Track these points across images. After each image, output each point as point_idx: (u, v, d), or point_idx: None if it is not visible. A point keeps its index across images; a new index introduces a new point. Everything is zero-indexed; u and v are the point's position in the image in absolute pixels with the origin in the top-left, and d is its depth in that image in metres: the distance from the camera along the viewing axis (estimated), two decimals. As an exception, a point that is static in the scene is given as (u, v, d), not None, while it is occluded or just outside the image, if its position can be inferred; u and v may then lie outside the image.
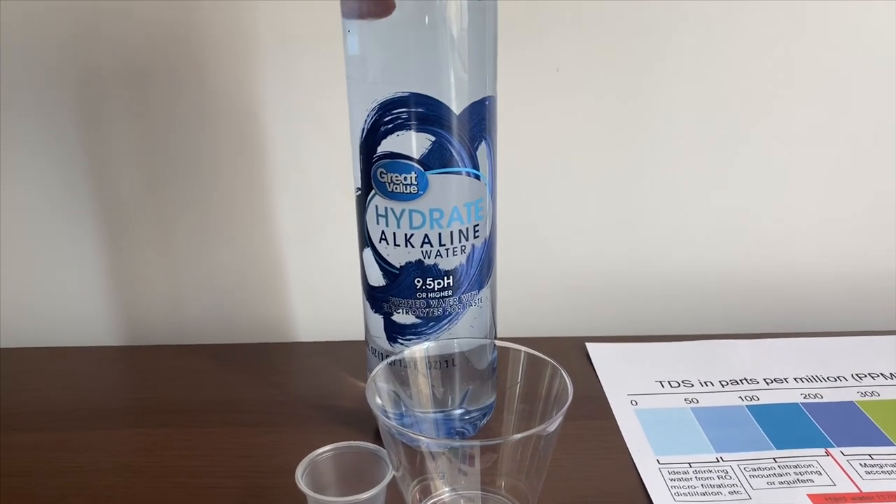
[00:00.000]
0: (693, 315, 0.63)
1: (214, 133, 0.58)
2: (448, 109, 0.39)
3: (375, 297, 0.44)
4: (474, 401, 0.45)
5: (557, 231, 0.62)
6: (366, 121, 0.40)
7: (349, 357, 0.55)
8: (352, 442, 0.41)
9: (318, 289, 0.63)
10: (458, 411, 0.44)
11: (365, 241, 0.43)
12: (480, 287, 0.44)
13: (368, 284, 0.44)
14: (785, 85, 0.57)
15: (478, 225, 0.42)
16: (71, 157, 0.59)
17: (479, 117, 0.41)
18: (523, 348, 0.40)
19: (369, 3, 0.38)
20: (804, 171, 0.60)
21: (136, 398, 0.53)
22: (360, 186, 0.43)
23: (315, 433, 0.47)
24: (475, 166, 0.41)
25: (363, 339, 0.47)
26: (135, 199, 0.60)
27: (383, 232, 0.42)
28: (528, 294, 0.62)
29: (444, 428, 0.44)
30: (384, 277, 0.43)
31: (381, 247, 0.42)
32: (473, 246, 0.43)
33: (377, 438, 0.41)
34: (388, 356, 0.42)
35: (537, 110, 0.58)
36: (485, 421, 0.45)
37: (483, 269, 0.44)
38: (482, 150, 0.41)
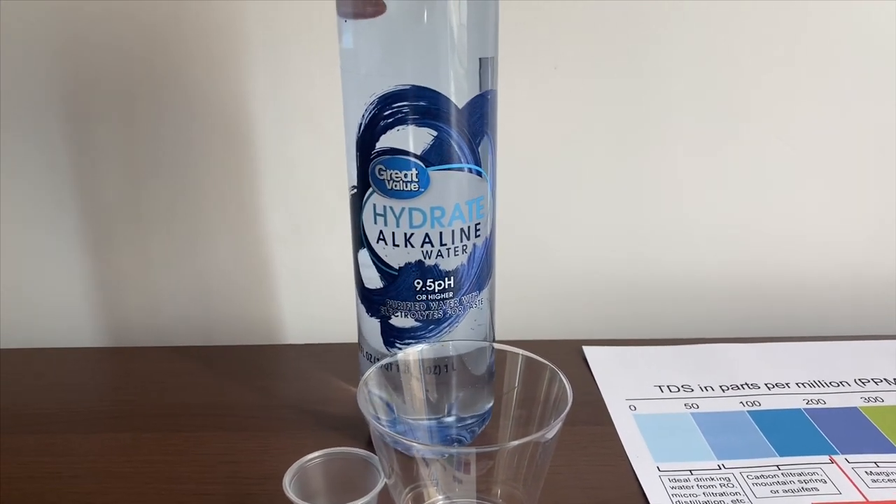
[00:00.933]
0: (693, 318, 0.62)
1: (203, 130, 0.57)
2: (450, 103, 0.38)
3: (372, 300, 0.43)
4: (471, 407, 0.43)
5: (554, 232, 0.61)
6: (363, 116, 0.39)
7: (340, 360, 0.54)
8: (342, 448, 0.39)
9: (309, 290, 0.62)
10: (454, 418, 0.43)
11: (361, 241, 0.42)
12: (481, 288, 0.43)
13: (364, 287, 0.43)
14: (786, 84, 0.57)
15: (479, 223, 0.41)
16: (55, 155, 0.57)
17: (482, 111, 0.39)
18: (521, 351, 0.39)
19: (359, 4, 0.37)
20: (806, 173, 0.59)
21: (119, 401, 0.51)
22: (355, 184, 0.41)
23: (304, 438, 0.46)
24: (477, 162, 0.40)
25: (355, 341, 0.46)
26: (121, 198, 0.59)
27: (381, 232, 0.41)
28: (524, 296, 0.61)
29: (438, 434, 0.43)
30: (382, 279, 0.42)
31: (378, 247, 0.41)
32: (475, 245, 0.41)
33: (368, 444, 0.40)
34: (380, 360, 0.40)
35: (534, 108, 0.57)
36: (482, 428, 0.44)
37: (483, 269, 0.42)
38: (484, 146, 0.40)
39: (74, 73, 0.55)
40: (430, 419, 0.42)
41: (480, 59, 0.38)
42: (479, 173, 0.40)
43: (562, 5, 0.54)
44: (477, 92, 0.39)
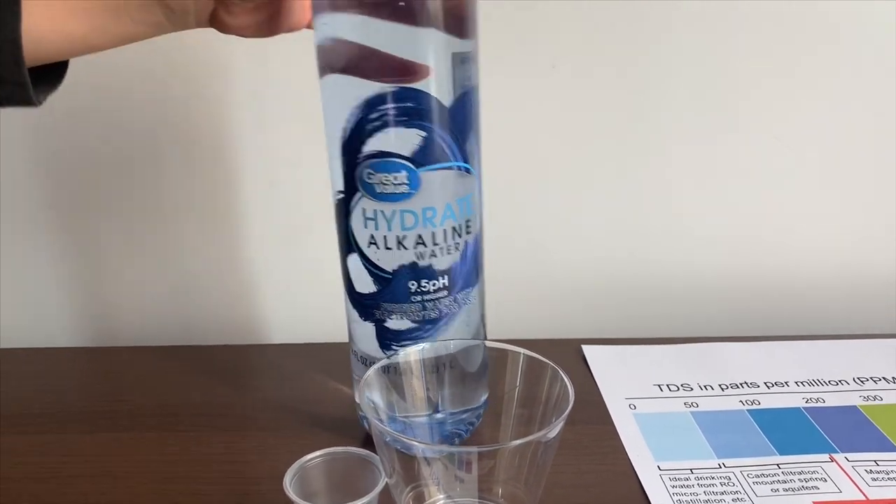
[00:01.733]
0: (692, 317, 0.62)
1: (190, 133, 0.57)
2: (438, 102, 0.38)
3: (364, 305, 0.42)
4: (467, 402, 0.43)
5: (553, 231, 0.61)
6: (348, 119, 0.38)
7: (338, 360, 0.54)
8: (342, 447, 0.39)
9: (302, 291, 0.61)
10: (451, 414, 0.43)
11: (350, 246, 0.41)
12: (473, 284, 0.43)
13: (356, 292, 0.42)
14: (783, 84, 0.57)
15: (469, 220, 0.41)
16: (48, 157, 0.57)
17: (468, 108, 0.39)
18: (523, 350, 0.39)
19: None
20: (805, 173, 0.59)
21: (115, 401, 0.51)
22: (342, 189, 0.40)
23: (301, 438, 0.46)
24: (466, 159, 0.40)
25: (346, 340, 0.46)
26: (111, 199, 0.59)
27: (372, 236, 0.40)
28: (523, 296, 0.61)
29: (437, 432, 0.43)
30: (375, 283, 0.41)
31: (370, 252, 0.41)
32: (467, 242, 0.41)
33: (366, 444, 0.39)
34: (374, 363, 0.40)
35: (532, 108, 0.57)
36: (478, 422, 0.44)
37: (475, 265, 0.42)
38: (471, 142, 0.40)
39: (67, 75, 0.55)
40: (427, 417, 0.42)
41: (462, 54, 0.38)
42: (467, 170, 0.40)
43: (559, 5, 0.54)
44: (462, 89, 0.38)
